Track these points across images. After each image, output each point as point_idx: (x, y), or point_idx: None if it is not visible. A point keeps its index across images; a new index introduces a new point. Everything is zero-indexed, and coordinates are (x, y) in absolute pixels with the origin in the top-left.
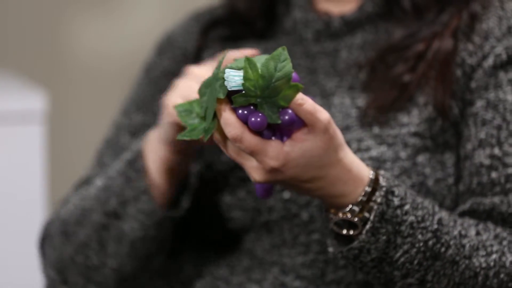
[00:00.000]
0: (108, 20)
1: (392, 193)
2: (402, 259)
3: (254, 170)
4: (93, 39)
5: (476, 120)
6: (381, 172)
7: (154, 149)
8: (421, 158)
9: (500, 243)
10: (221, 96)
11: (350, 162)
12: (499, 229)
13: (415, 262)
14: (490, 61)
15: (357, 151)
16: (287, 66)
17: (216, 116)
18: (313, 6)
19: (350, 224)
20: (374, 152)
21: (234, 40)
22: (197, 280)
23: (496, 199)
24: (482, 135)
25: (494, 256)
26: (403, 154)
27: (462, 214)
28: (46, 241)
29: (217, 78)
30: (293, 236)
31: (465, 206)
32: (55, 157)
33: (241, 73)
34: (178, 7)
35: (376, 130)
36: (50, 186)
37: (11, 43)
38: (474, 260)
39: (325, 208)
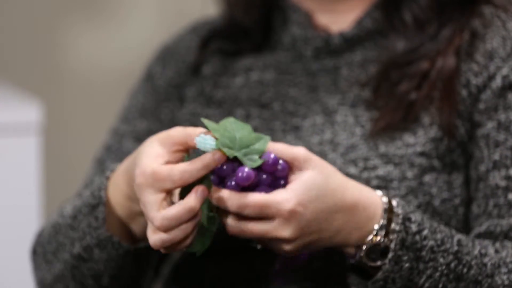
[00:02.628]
0: (104, 31)
1: (409, 219)
2: (426, 284)
3: (279, 229)
4: (89, 50)
5: (488, 142)
6: (394, 198)
7: (119, 189)
8: (427, 178)
9: None
10: (207, 182)
11: (358, 187)
12: None
13: (440, 285)
14: (498, 82)
15: (363, 169)
16: (242, 123)
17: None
18: (312, 22)
19: (381, 255)
20: (380, 171)
21: (233, 54)
22: None
23: None
24: (496, 156)
25: None
26: (409, 173)
27: (478, 236)
28: (34, 256)
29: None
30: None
31: (481, 228)
32: (51, 168)
33: (209, 136)
34: (174, 18)
35: (382, 149)
36: (45, 198)
37: (7, 54)
38: (497, 278)
39: (344, 249)
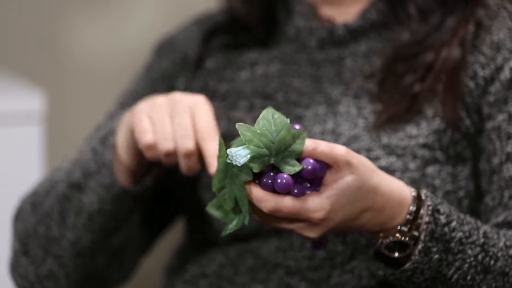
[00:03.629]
0: (107, 21)
1: (438, 211)
2: (455, 276)
3: (307, 230)
4: (92, 39)
5: (500, 134)
6: (423, 190)
7: (124, 132)
8: (430, 170)
9: None
10: (249, 178)
11: (389, 183)
12: None
13: (468, 277)
14: (507, 74)
15: None
16: (280, 117)
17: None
18: (316, 13)
19: (399, 247)
20: (383, 162)
21: (236, 48)
22: (201, 280)
23: None
24: (509, 148)
25: None
26: (412, 165)
27: (496, 227)
28: (17, 216)
29: (229, 166)
30: (301, 240)
31: (499, 219)
32: (53, 157)
33: (242, 146)
34: (177, 10)
35: (384, 140)
36: None
37: (9, 43)
38: None
39: (372, 236)
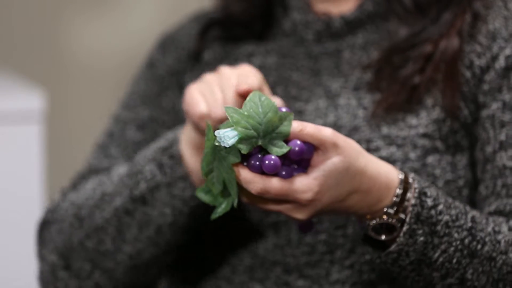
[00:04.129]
0: (106, 19)
1: (425, 194)
2: (440, 259)
3: (294, 211)
4: (92, 38)
5: (494, 123)
6: (411, 173)
7: (189, 139)
8: (430, 159)
9: None
10: (237, 160)
11: (376, 166)
12: None
13: (454, 261)
14: (501, 63)
15: (366, 151)
16: (267, 100)
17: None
18: (311, 7)
19: (386, 230)
20: (383, 153)
21: (234, 41)
22: (199, 279)
23: None
24: (502, 137)
25: None
26: (412, 155)
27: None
28: (47, 227)
29: (217, 149)
30: (299, 236)
31: (491, 208)
32: (54, 156)
33: (229, 128)
34: (176, 7)
35: (384, 131)
36: (48, 186)
37: (10, 42)
38: (511, 255)
39: (359, 218)
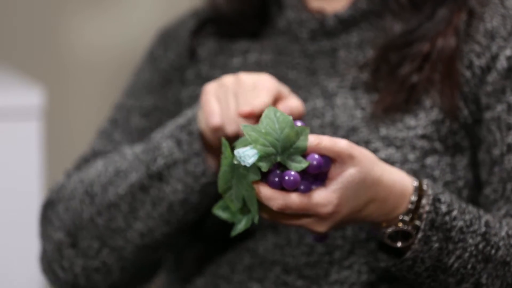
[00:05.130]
0: (106, 17)
1: (439, 200)
2: (456, 265)
3: (315, 225)
4: (92, 35)
5: (500, 125)
6: (424, 180)
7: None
8: (429, 161)
9: None
10: (257, 177)
11: (391, 174)
12: None
13: (469, 266)
14: (503, 64)
15: None
16: (282, 115)
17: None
18: (306, 5)
19: (402, 237)
20: (382, 154)
21: (229, 38)
22: (197, 278)
23: None
24: (510, 139)
25: None
26: (411, 156)
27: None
28: (52, 207)
29: (236, 167)
30: (298, 236)
31: (500, 212)
32: (53, 152)
33: (248, 147)
34: (176, 5)
35: (383, 132)
36: (47, 182)
37: (9, 38)
38: None
39: (375, 226)
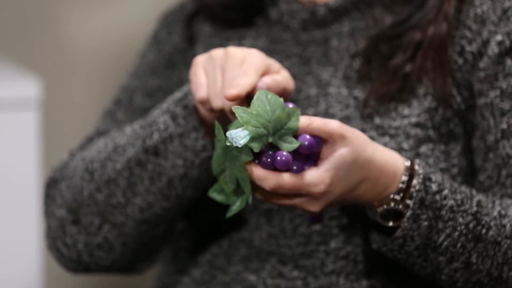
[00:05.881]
0: (104, 9)
1: (430, 179)
2: (445, 243)
3: (308, 204)
4: (89, 26)
5: (493, 111)
6: (416, 160)
7: None
8: (424, 149)
9: None
10: (249, 158)
11: (383, 154)
12: None
13: (458, 245)
14: (494, 49)
15: None
16: (273, 97)
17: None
18: None
19: (394, 217)
20: (377, 143)
21: (225, 24)
22: (194, 269)
23: None
24: (503, 125)
25: None
26: (405, 145)
27: None
28: (54, 185)
29: (228, 148)
30: (293, 226)
31: (495, 198)
32: (50, 143)
33: (240, 128)
34: None
35: (377, 121)
36: (44, 172)
37: (6, 29)
38: None
39: (368, 207)
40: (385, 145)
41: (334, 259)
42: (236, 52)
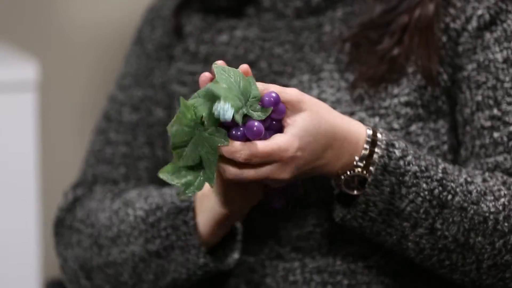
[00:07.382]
0: None
1: (393, 145)
2: (408, 209)
3: (278, 172)
4: (87, 9)
5: (469, 84)
6: (379, 129)
7: (207, 208)
8: (414, 127)
9: (509, 188)
10: (226, 143)
11: (347, 122)
12: (506, 177)
13: (421, 210)
14: (474, 24)
15: None
16: (232, 70)
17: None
18: None
19: (359, 184)
20: (367, 124)
21: (215, 14)
22: None
23: (500, 158)
24: (478, 98)
25: (502, 200)
26: (396, 124)
27: None
28: (63, 227)
29: (198, 128)
30: (287, 209)
31: (468, 168)
32: (48, 125)
33: (222, 102)
34: None
35: (367, 102)
36: (42, 154)
37: (5, 13)
38: (482, 205)
39: (334, 177)
40: (376, 125)
41: (330, 240)
42: None
